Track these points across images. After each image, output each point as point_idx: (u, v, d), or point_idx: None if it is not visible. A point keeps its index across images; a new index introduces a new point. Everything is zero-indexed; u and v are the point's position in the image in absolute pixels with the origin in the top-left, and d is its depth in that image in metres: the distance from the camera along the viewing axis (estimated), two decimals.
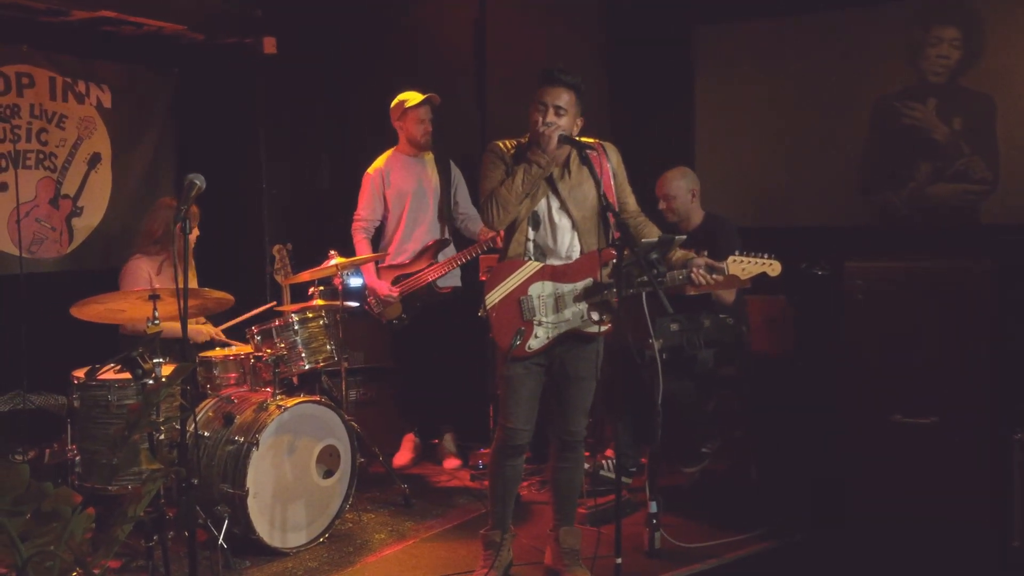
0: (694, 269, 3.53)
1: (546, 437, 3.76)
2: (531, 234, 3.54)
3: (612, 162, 3.61)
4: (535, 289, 3.50)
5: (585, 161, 3.38)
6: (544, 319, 3.50)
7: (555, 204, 3.55)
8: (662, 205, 4.60)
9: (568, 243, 3.55)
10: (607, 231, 3.57)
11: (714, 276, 3.53)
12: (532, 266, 3.52)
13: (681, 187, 4.59)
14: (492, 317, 3.50)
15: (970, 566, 3.75)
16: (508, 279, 3.50)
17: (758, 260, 3.60)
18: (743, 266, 3.58)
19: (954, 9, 4.84)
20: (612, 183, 3.57)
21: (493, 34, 5.74)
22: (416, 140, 5.14)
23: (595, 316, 3.53)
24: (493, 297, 3.50)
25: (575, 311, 3.52)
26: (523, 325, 3.48)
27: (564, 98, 3.46)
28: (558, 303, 3.52)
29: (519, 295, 3.49)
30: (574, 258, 3.55)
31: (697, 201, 4.64)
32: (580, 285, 3.53)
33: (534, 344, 3.50)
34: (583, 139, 3.55)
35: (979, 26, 4.77)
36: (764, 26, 5.27)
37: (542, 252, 3.56)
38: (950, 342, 3.92)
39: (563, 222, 3.55)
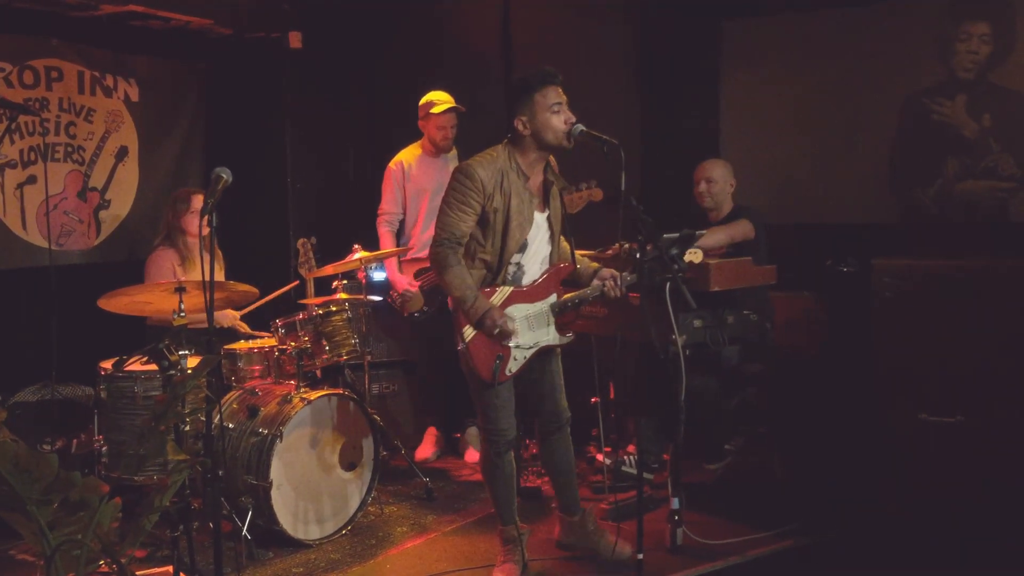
0: (607, 283, 3.62)
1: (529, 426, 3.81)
2: (516, 258, 3.56)
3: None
4: (509, 314, 3.50)
5: (613, 151, 3.33)
6: (520, 342, 3.51)
7: (544, 224, 3.59)
8: (701, 188, 4.61)
9: (545, 258, 3.63)
10: (560, 243, 3.70)
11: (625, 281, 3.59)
12: (503, 292, 3.52)
13: (723, 174, 4.62)
14: (471, 349, 3.48)
15: (998, 567, 3.70)
16: None
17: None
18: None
19: (985, 4, 4.77)
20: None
21: (519, 28, 5.73)
22: (436, 143, 5.15)
23: (560, 331, 3.62)
24: (470, 330, 3.47)
25: (546, 328, 3.58)
26: (501, 351, 3.48)
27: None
28: (530, 323, 3.55)
29: None
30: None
31: (731, 193, 4.64)
32: (547, 302, 3.59)
33: (513, 367, 3.52)
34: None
35: (1010, 21, 4.71)
36: (792, 20, 5.23)
37: (523, 272, 3.58)
38: (979, 340, 3.88)
39: (546, 239, 3.61)
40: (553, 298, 3.60)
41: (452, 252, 3.44)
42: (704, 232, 4.23)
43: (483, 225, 3.49)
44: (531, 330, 3.54)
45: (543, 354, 3.63)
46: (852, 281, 4.63)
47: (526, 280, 3.58)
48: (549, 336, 3.60)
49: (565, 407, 3.76)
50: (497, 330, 3.40)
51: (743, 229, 4.45)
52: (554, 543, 3.91)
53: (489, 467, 3.67)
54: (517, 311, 3.51)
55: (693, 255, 3.80)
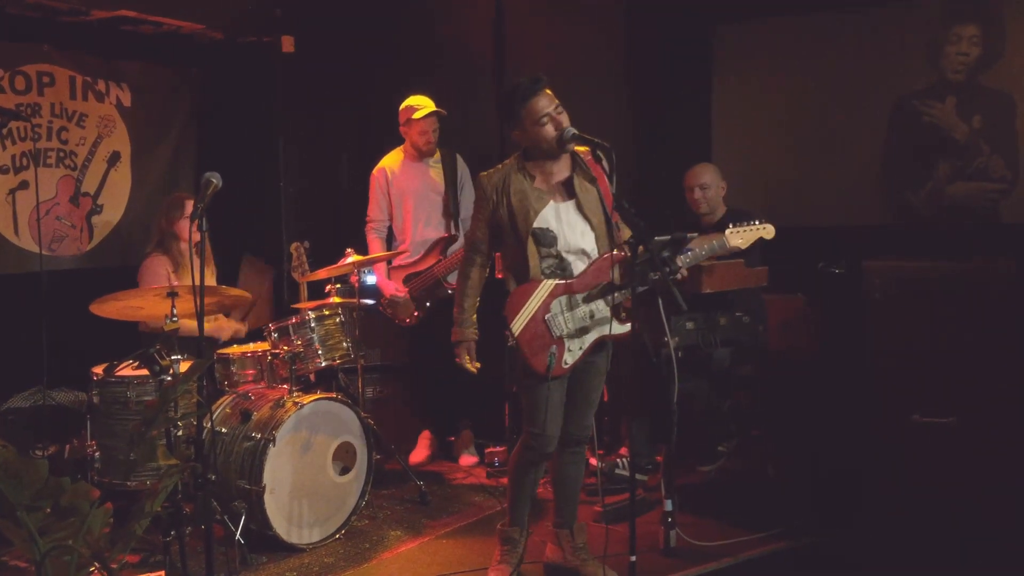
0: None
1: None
2: (549, 251, 3.50)
3: (605, 166, 3.59)
4: (557, 306, 3.48)
5: (599, 159, 3.36)
6: (573, 332, 3.48)
7: (569, 213, 3.53)
8: (696, 194, 4.63)
9: (588, 247, 3.54)
10: (612, 233, 3.58)
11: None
12: (548, 284, 3.49)
13: (714, 178, 4.65)
14: (522, 343, 3.48)
15: (995, 567, 3.71)
16: (528, 302, 3.47)
17: (752, 227, 3.71)
18: (740, 235, 3.68)
19: (975, 7, 4.80)
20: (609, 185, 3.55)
21: (512, 32, 5.73)
22: (419, 148, 5.14)
23: (617, 318, 3.53)
24: (518, 323, 3.47)
25: (598, 319, 3.52)
26: (554, 344, 3.46)
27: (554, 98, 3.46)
28: (581, 315, 3.51)
29: (543, 315, 3.47)
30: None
31: (723, 196, 4.66)
32: (597, 292, 3.52)
33: (569, 359, 3.49)
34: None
35: (1000, 24, 4.73)
36: (783, 24, 5.25)
37: (568, 264, 3.52)
38: (971, 342, 3.90)
39: (581, 228, 3.53)
40: (603, 285, 3.51)
41: (468, 261, 3.64)
42: (695, 234, 4.24)
43: (500, 232, 3.54)
44: (582, 322, 3.50)
45: (590, 365, 3.58)
46: (844, 283, 4.63)
47: (576, 271, 3.53)
48: (603, 327, 3.52)
49: (590, 425, 3.70)
50: (457, 359, 3.60)
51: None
52: (542, 563, 3.83)
53: (518, 469, 3.66)
54: (564, 303, 3.48)
55: (763, 231, 3.76)
